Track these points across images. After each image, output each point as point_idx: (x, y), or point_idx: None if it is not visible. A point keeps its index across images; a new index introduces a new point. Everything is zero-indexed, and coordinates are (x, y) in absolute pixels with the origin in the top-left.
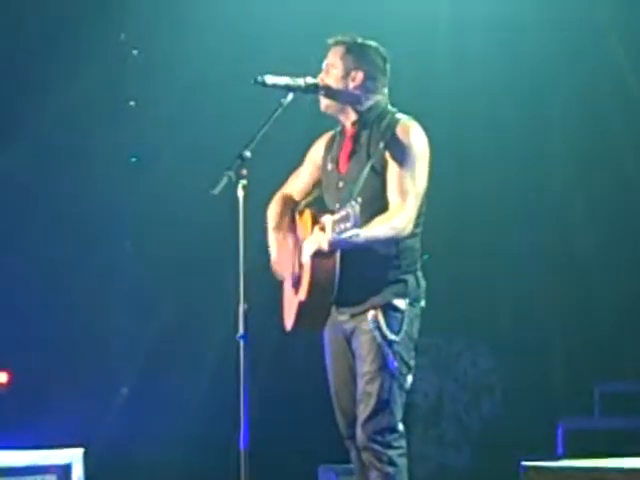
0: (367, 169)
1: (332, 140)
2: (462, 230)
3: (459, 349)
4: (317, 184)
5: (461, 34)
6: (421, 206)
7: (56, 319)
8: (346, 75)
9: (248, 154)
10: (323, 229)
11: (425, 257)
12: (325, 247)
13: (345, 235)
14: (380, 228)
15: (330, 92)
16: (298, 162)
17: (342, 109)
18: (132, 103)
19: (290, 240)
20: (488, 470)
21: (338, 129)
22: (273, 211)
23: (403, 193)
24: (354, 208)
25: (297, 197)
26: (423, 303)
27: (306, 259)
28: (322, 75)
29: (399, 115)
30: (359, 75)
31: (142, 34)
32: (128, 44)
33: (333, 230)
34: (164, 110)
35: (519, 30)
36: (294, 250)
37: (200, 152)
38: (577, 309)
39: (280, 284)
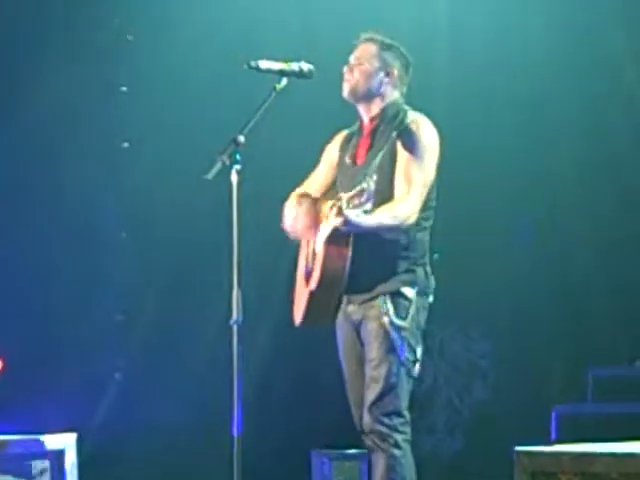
0: (380, 156)
1: (347, 139)
2: (455, 216)
3: (452, 334)
4: (333, 184)
5: (460, 28)
6: (430, 200)
7: (49, 305)
8: (379, 71)
9: (242, 139)
10: (337, 211)
11: (435, 256)
12: (339, 222)
13: (360, 210)
14: (384, 215)
15: (352, 81)
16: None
17: (364, 100)
18: (124, 88)
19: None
20: (481, 455)
21: (354, 127)
22: (292, 200)
23: (410, 182)
24: (369, 184)
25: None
26: (431, 299)
27: (320, 247)
28: (351, 68)
29: (412, 112)
30: (392, 72)
31: (136, 19)
32: (122, 29)
33: (348, 205)
34: (157, 95)
35: (519, 24)
36: (308, 244)
37: (194, 137)
38: (571, 294)
39: (291, 274)
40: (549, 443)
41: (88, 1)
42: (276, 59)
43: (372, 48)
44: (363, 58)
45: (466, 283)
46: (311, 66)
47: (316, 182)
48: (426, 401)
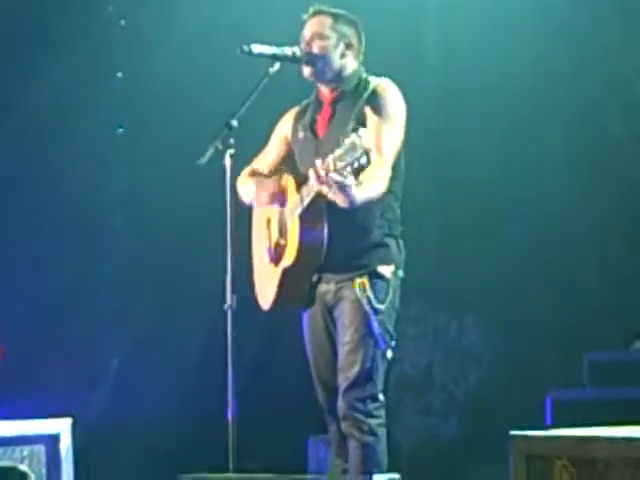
0: (350, 125)
1: (301, 114)
2: (451, 202)
3: (447, 319)
4: (285, 160)
5: (452, 25)
6: (400, 168)
7: (46, 291)
8: (338, 44)
9: (235, 123)
10: (318, 175)
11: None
12: (331, 182)
13: (356, 165)
14: (368, 187)
15: (316, 60)
16: None
17: (326, 76)
18: (120, 74)
19: (263, 215)
20: (476, 440)
21: (310, 99)
22: (244, 181)
23: (380, 148)
24: (359, 137)
25: (265, 173)
26: (401, 273)
27: (292, 221)
28: (309, 42)
29: (375, 78)
30: (351, 43)
31: (129, 5)
32: (115, 15)
33: (335, 166)
34: (152, 80)
35: (510, 11)
36: (268, 224)
37: (188, 121)
38: (566, 278)
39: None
40: (544, 428)
41: None
42: (270, 43)
43: (327, 20)
44: (318, 33)
45: (460, 269)
46: (304, 50)
47: (267, 159)
48: (421, 386)
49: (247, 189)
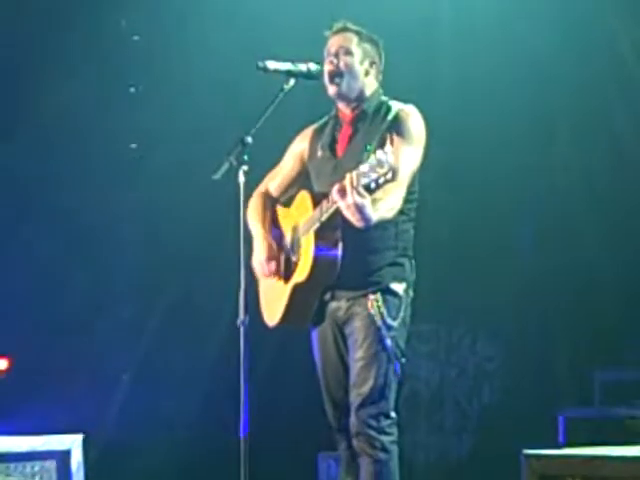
0: (372, 147)
1: (318, 132)
2: (463, 217)
3: (459, 337)
4: (298, 179)
5: (463, 21)
6: (414, 191)
7: (56, 304)
8: (363, 61)
9: (249, 139)
10: (342, 190)
11: None
12: (351, 200)
13: (381, 181)
14: (384, 209)
15: (342, 75)
16: None
17: (351, 94)
18: (132, 89)
19: (274, 236)
20: (489, 458)
21: (327, 118)
22: (255, 207)
23: (396, 168)
24: (386, 154)
25: (276, 193)
26: (412, 292)
27: (306, 237)
28: (331, 59)
29: (395, 102)
30: (374, 61)
31: (143, 20)
32: (129, 30)
33: (358, 182)
34: (165, 96)
35: (522, 16)
36: (279, 245)
37: (201, 137)
38: (578, 297)
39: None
40: (556, 447)
41: (94, 3)
42: (284, 59)
43: (352, 37)
44: (344, 49)
45: (473, 287)
46: (319, 66)
47: (281, 177)
48: (433, 404)
49: (253, 227)
